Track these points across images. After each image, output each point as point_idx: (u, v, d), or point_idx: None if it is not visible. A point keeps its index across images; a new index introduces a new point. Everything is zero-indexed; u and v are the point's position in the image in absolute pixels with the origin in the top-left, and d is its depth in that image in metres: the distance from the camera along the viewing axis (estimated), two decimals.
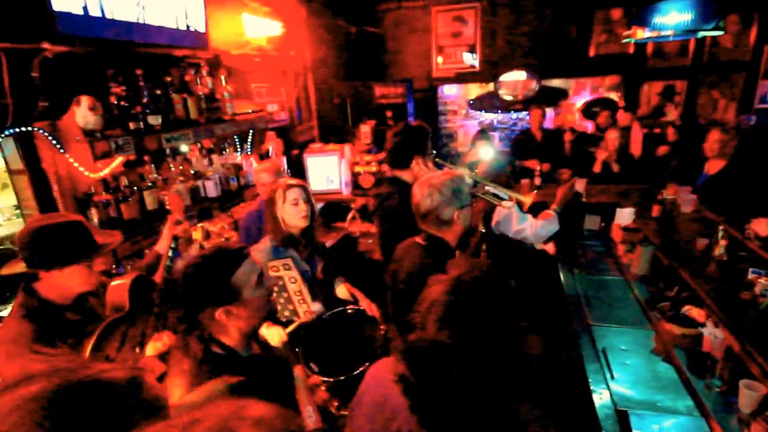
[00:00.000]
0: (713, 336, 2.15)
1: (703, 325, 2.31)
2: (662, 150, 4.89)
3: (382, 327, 2.35)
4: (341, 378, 1.95)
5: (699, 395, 1.99)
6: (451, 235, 2.04)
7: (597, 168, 4.94)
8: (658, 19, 3.78)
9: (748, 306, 2.22)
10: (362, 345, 2.25)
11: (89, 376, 0.65)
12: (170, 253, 2.31)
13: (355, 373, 1.95)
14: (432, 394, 1.07)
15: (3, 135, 2.08)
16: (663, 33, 3.83)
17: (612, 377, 2.20)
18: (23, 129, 2.10)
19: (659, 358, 2.32)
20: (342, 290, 2.71)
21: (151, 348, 1.81)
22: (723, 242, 2.79)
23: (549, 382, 3.04)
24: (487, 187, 2.75)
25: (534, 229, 2.69)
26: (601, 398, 2.06)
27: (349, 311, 2.41)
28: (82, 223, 1.69)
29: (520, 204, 2.72)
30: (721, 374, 2.03)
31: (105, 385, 0.65)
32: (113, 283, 1.84)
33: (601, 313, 2.77)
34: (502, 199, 2.73)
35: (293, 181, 2.38)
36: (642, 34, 3.93)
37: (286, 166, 4.77)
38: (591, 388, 2.13)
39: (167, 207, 2.57)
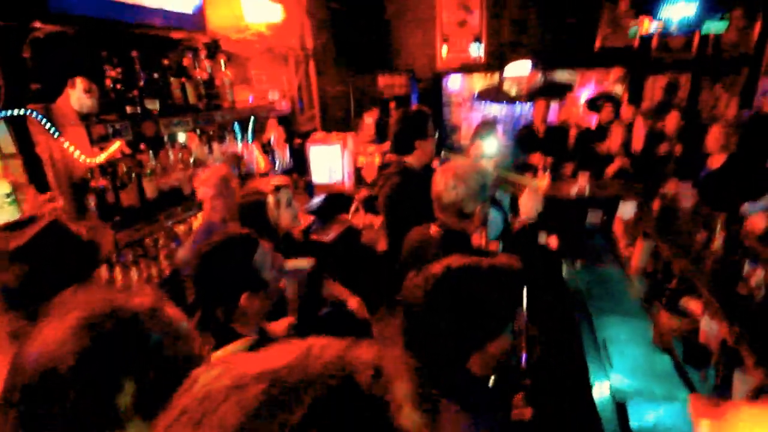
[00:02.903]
0: (710, 327, 2.20)
1: (700, 316, 2.36)
2: (663, 148, 4.94)
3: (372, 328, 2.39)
4: None
5: (694, 385, 2.06)
6: (471, 228, 1.99)
7: (610, 172, 4.98)
8: (664, 10, 3.81)
9: (744, 298, 2.27)
10: None
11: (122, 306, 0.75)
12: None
13: None
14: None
15: None
16: (668, 24, 3.84)
17: (611, 367, 2.25)
18: (15, 112, 2.03)
19: (657, 349, 2.38)
20: (329, 290, 2.62)
21: None
22: (721, 236, 2.84)
23: (548, 372, 3.09)
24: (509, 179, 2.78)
25: None
26: (600, 388, 2.12)
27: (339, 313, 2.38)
28: (57, 221, 1.37)
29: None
30: (716, 364, 2.08)
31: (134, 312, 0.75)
32: None
33: (601, 304, 2.83)
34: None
35: (280, 181, 2.27)
36: (648, 24, 3.96)
37: (288, 156, 4.70)
38: (590, 378, 2.19)
39: None
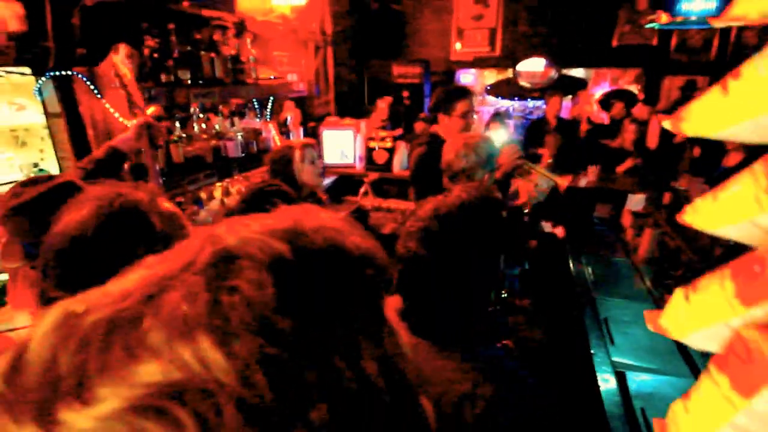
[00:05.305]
0: None
1: None
2: (679, 138, 4.83)
3: None
4: None
5: (695, 361, 2.10)
6: None
7: (621, 170, 5.03)
8: (683, 4, 3.76)
9: None
10: None
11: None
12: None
13: None
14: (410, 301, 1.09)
15: (44, 78, 2.19)
16: (687, 18, 3.80)
17: (612, 344, 2.30)
18: (63, 73, 2.21)
19: None
20: None
21: None
22: None
23: (550, 348, 3.17)
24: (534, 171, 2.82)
25: None
26: (600, 361, 2.17)
27: None
28: (73, 182, 1.40)
29: (556, 186, 2.81)
30: None
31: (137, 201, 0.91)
32: None
33: (605, 288, 2.86)
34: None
35: (308, 141, 2.45)
36: (665, 18, 3.90)
37: (302, 137, 4.86)
38: (591, 351, 2.24)
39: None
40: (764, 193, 0.60)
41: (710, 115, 0.66)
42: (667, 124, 0.69)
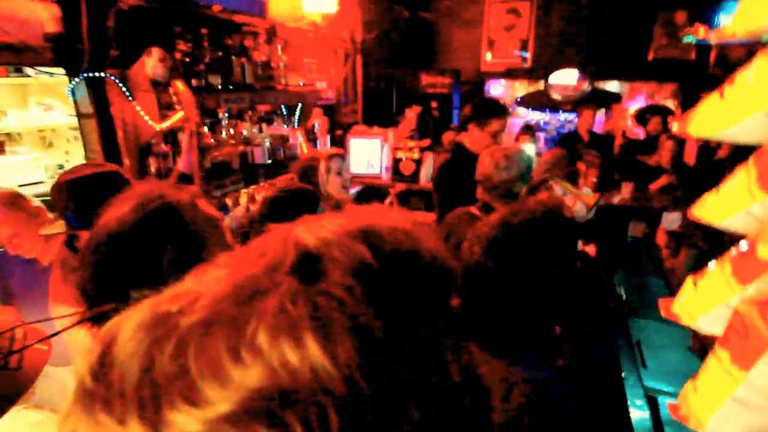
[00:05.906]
0: None
1: None
2: (721, 153, 4.66)
3: None
4: None
5: None
6: None
7: (655, 186, 4.87)
8: (722, 17, 3.64)
9: None
10: None
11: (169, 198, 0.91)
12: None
13: None
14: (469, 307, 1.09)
15: (78, 78, 2.20)
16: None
17: (644, 367, 2.23)
18: (96, 74, 2.22)
19: (695, 355, 2.30)
20: None
21: None
22: None
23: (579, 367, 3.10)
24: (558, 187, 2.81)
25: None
26: (631, 385, 2.11)
27: None
28: (120, 172, 1.55)
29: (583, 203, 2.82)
30: None
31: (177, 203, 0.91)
32: None
33: (638, 310, 2.79)
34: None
35: (335, 151, 2.41)
36: (703, 32, 3.80)
37: (329, 145, 4.84)
38: (623, 375, 2.18)
39: (177, 106, 2.47)
40: (755, 183, 0.67)
41: (710, 118, 0.75)
42: (676, 126, 0.74)
